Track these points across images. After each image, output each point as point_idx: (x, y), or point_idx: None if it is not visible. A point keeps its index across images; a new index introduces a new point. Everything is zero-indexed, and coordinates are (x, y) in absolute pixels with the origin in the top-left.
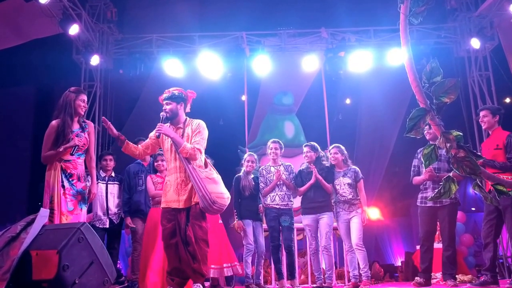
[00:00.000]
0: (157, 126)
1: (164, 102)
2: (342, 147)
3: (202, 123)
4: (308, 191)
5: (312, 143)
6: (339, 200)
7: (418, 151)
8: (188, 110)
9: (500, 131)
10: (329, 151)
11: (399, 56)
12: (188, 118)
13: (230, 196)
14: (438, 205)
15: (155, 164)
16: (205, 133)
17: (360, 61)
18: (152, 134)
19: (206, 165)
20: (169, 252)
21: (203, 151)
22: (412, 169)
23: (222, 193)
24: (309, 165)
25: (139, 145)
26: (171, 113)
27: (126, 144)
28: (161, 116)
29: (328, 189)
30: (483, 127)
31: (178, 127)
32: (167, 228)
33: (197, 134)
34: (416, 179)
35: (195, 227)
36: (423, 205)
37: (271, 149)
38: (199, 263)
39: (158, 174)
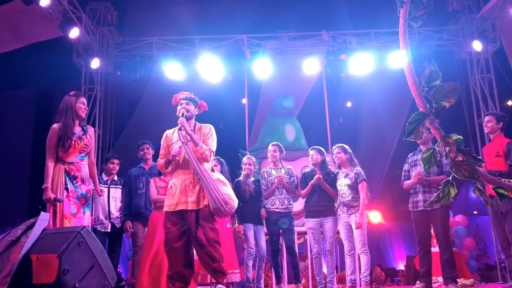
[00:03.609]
0: (179, 120)
1: (184, 102)
2: (346, 146)
3: (213, 128)
4: (312, 194)
5: (318, 147)
6: (340, 202)
7: (409, 155)
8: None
9: (501, 137)
10: (333, 152)
11: (400, 58)
12: (197, 123)
13: (237, 200)
14: (428, 208)
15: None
16: (216, 137)
17: (361, 63)
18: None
19: (212, 170)
20: (172, 256)
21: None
22: (402, 173)
23: (232, 195)
24: (314, 168)
25: (145, 148)
26: (190, 114)
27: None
28: (181, 113)
29: (332, 193)
30: (485, 131)
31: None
32: (171, 231)
33: (209, 137)
34: (407, 183)
35: (206, 229)
36: (414, 209)
37: (270, 152)
38: (218, 262)
39: (161, 177)
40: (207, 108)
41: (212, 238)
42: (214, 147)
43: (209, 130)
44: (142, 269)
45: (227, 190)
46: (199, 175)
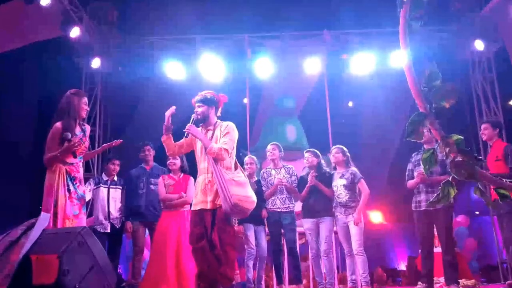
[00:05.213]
0: (186, 126)
1: (196, 105)
2: (345, 149)
3: (231, 125)
4: (309, 195)
5: (313, 149)
6: (337, 203)
7: (413, 155)
8: (219, 113)
9: (499, 143)
10: (331, 151)
11: (401, 58)
12: (219, 121)
13: (255, 200)
14: (431, 208)
15: (167, 162)
16: (234, 134)
17: (363, 63)
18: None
19: (236, 167)
20: (196, 256)
21: (231, 152)
22: (406, 173)
23: (246, 196)
24: (309, 171)
25: (146, 150)
26: (202, 116)
27: (169, 137)
28: (192, 118)
29: (328, 193)
30: (483, 139)
31: (208, 129)
32: (193, 232)
33: (225, 135)
34: (410, 183)
35: (220, 231)
36: (417, 209)
37: (269, 151)
38: (225, 267)
39: (170, 174)
40: (226, 99)
41: (226, 241)
42: (229, 144)
43: (225, 128)
44: (151, 271)
45: (240, 191)
46: (213, 174)
